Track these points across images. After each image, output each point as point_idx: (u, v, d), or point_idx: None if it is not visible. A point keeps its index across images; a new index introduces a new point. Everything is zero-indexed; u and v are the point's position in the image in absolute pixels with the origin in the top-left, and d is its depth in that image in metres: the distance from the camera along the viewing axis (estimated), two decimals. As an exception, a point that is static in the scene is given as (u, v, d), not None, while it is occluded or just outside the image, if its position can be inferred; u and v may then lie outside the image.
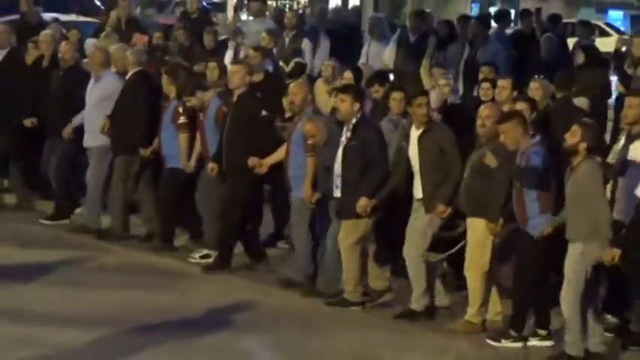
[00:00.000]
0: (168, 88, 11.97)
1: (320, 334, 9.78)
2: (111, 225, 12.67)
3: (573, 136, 8.86)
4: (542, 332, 9.59)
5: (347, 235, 10.26)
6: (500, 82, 11.04)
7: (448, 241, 10.41)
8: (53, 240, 12.60)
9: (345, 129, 10.42)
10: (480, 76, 12.26)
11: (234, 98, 11.32)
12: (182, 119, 11.78)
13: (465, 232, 10.14)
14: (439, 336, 9.80)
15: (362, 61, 15.61)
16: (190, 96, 11.75)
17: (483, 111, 9.84)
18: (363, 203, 10.09)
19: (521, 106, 9.92)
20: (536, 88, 10.88)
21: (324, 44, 16.36)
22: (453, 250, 10.40)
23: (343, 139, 10.37)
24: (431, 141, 10.00)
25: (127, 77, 12.38)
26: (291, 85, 11.28)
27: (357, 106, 10.30)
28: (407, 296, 10.40)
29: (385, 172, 10.25)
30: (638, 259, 8.86)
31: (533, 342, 9.56)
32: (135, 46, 14.03)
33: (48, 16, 19.92)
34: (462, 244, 10.28)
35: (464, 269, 9.97)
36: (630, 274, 9.09)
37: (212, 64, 11.94)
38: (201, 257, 11.73)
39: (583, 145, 8.81)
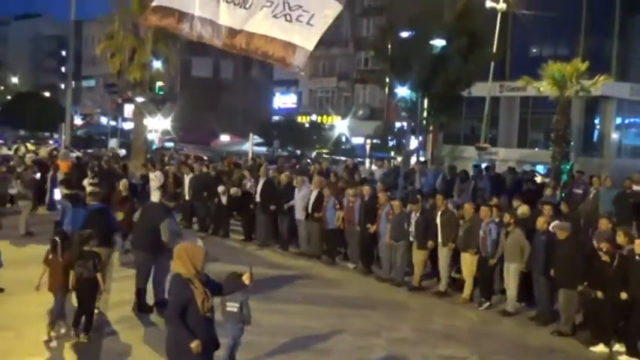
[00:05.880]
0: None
1: (402, 311, 10.05)
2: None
3: (510, 219, 10.30)
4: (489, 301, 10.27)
5: (419, 255, 10.97)
6: (494, 201, 11.94)
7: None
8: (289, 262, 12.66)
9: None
10: (478, 194, 13.99)
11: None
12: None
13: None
14: (454, 306, 10.32)
15: (417, 185, 16.23)
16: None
17: (467, 208, 10.84)
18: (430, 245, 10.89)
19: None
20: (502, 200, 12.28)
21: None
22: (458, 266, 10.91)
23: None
24: (446, 216, 10.96)
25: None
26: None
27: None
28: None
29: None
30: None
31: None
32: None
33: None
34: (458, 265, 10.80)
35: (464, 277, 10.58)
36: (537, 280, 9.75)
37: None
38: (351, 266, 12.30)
39: (512, 222, 10.19)
